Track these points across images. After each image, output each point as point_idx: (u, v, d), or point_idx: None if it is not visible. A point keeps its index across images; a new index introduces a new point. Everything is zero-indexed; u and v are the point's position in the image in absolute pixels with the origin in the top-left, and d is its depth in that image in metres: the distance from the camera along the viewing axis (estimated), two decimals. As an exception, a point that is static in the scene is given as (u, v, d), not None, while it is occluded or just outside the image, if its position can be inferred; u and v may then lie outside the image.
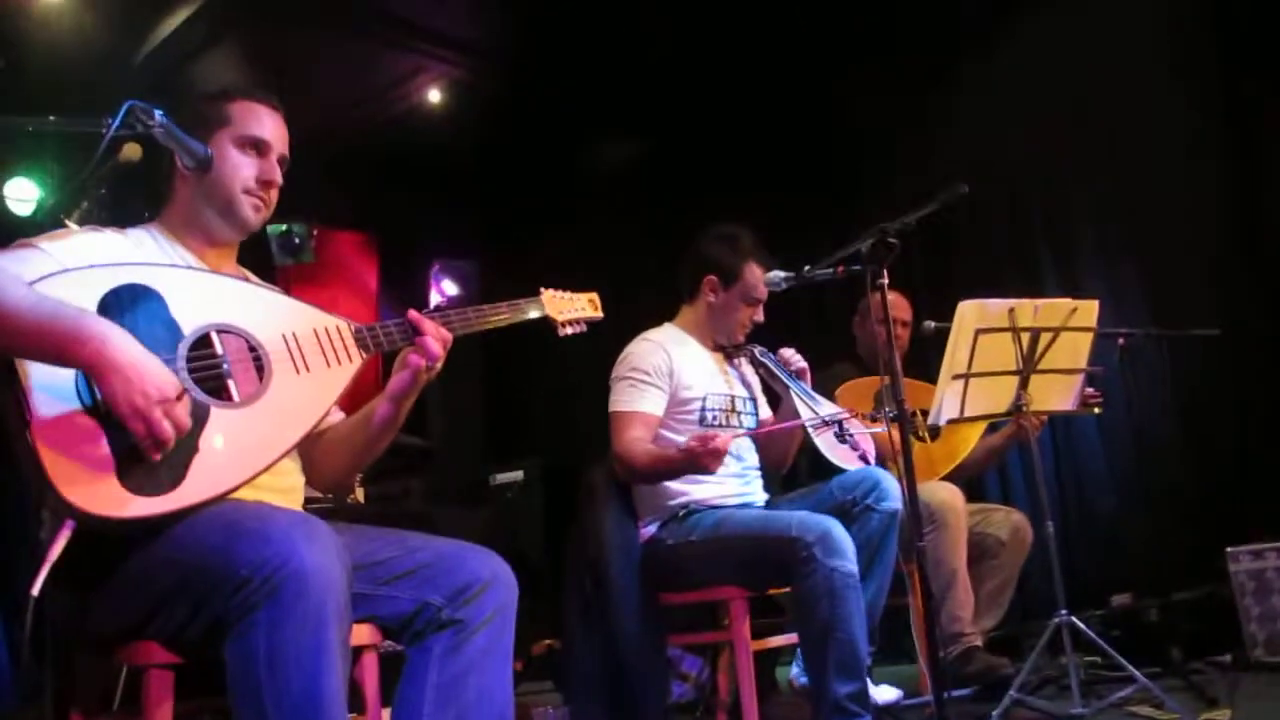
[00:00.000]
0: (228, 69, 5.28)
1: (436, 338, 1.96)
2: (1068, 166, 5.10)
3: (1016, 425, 3.76)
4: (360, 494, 3.99)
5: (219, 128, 1.98)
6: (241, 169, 1.99)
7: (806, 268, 2.90)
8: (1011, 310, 3.04)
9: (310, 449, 2.06)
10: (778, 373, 3.15)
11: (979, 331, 3.00)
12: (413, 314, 1.97)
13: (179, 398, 1.59)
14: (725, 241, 3.23)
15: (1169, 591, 3.84)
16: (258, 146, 2.01)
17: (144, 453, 1.59)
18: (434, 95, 6.01)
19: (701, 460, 2.72)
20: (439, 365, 1.97)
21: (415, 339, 1.96)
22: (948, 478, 3.77)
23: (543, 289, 2.27)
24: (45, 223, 1.88)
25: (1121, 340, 3.69)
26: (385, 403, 2.02)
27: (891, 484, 2.92)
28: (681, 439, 3.03)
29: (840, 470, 3.07)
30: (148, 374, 1.56)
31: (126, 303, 1.70)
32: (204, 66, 5.27)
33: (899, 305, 3.99)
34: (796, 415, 3.05)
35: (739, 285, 3.19)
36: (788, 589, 2.80)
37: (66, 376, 1.61)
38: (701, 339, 3.26)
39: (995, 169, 5.25)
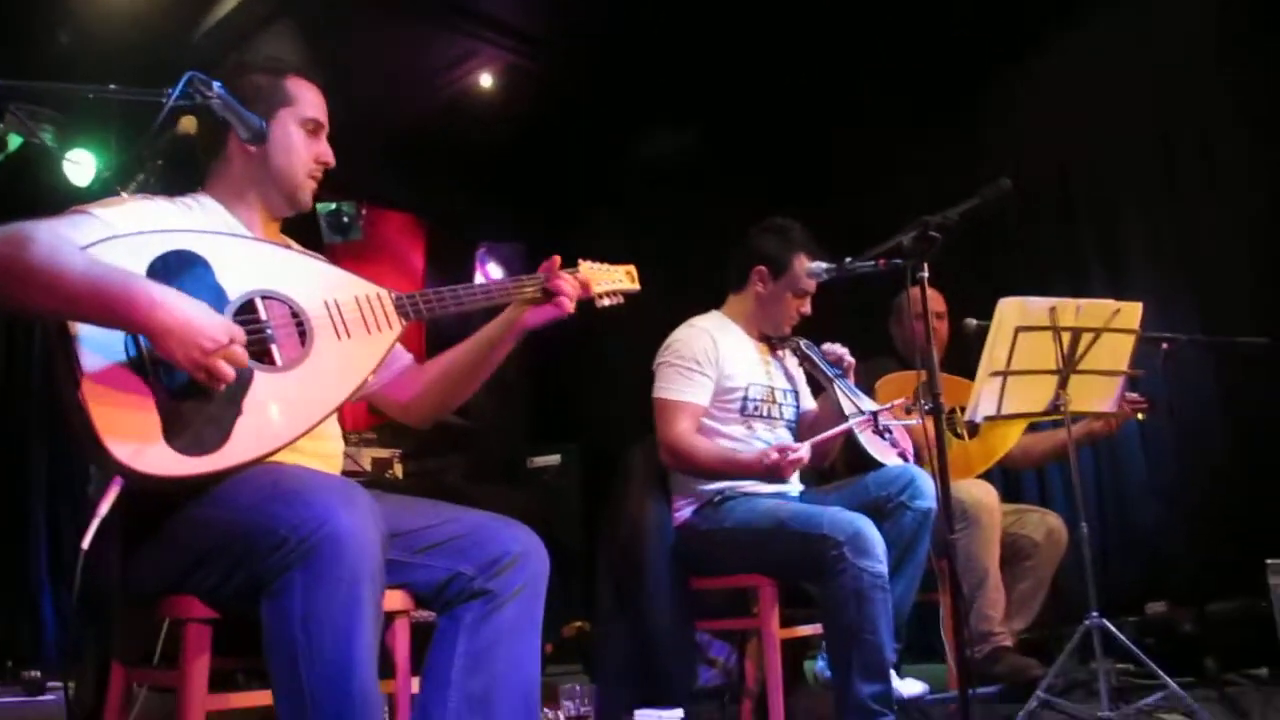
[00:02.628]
0: (284, 47, 5.33)
1: (572, 291, 2.16)
2: (1120, 168, 5.05)
3: (1095, 422, 3.71)
4: (399, 469, 4.04)
5: (282, 106, 2.03)
6: (307, 150, 2.06)
7: (848, 259, 2.90)
8: (1053, 309, 3.02)
9: (413, 381, 2.18)
10: (821, 365, 3.16)
11: (1019, 329, 2.99)
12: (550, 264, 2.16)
13: (232, 341, 1.64)
14: (776, 233, 3.25)
15: (1206, 601, 3.80)
16: (316, 127, 2.07)
17: (207, 389, 1.65)
18: (486, 79, 6.04)
19: (781, 473, 2.76)
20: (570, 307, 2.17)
21: (552, 296, 2.14)
22: (999, 470, 3.74)
23: (580, 260, 2.30)
24: (101, 193, 1.93)
25: (1166, 345, 3.65)
26: (513, 339, 2.18)
27: (927, 482, 2.91)
28: (726, 429, 3.06)
29: (879, 465, 3.08)
30: (201, 328, 1.60)
31: (174, 268, 1.74)
32: (261, 44, 5.32)
33: (933, 299, 3.97)
34: (839, 408, 3.05)
35: (788, 276, 3.20)
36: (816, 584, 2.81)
37: (115, 337, 1.65)
38: (747, 329, 3.27)
39: (1047, 167, 5.21)
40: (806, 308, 3.26)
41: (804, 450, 2.78)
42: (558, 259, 2.18)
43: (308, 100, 2.07)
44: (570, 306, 2.16)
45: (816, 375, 3.22)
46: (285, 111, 2.03)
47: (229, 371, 1.63)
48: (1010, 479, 4.89)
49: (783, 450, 2.78)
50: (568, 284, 2.16)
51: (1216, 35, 4.73)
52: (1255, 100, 4.56)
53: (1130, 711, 2.93)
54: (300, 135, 2.05)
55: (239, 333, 1.66)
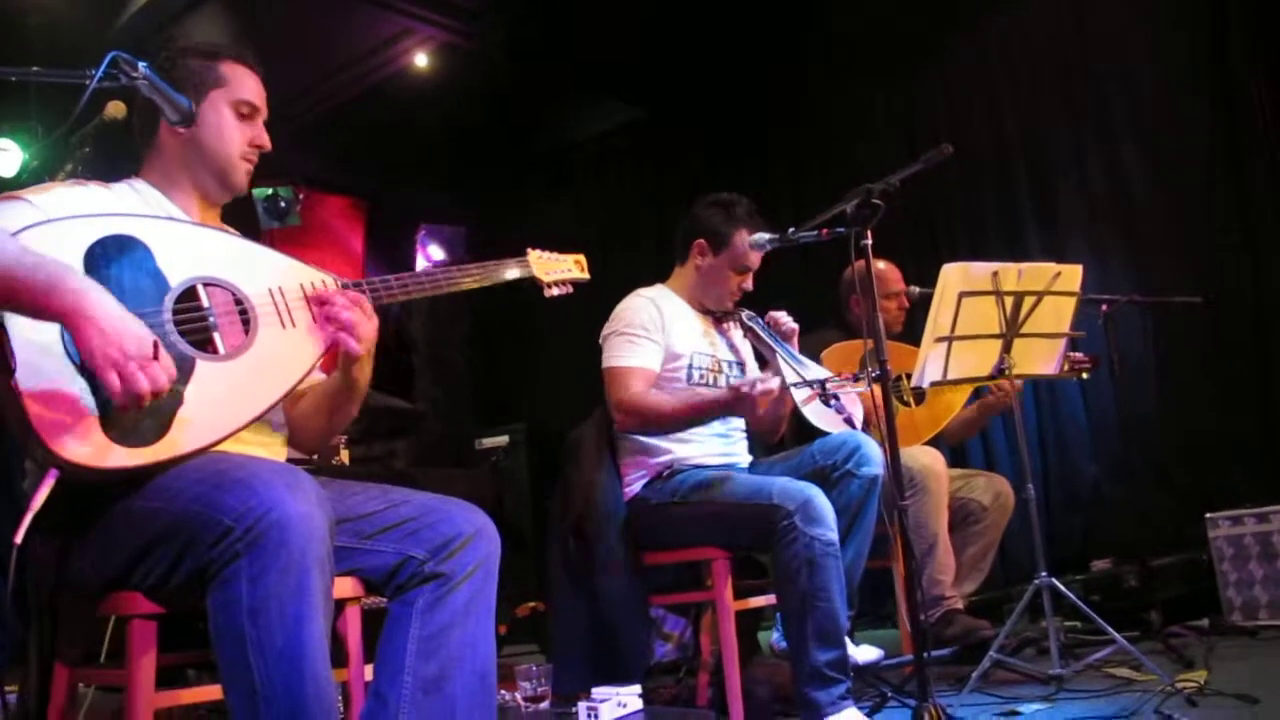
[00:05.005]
0: (216, 29, 5.23)
1: (346, 306, 1.88)
2: (1054, 131, 5.10)
3: (990, 397, 3.82)
4: (345, 455, 3.99)
5: (213, 88, 1.99)
6: (240, 133, 2.01)
7: (791, 229, 2.90)
8: (995, 273, 3.05)
9: (289, 410, 2.06)
10: (765, 336, 3.15)
11: (962, 294, 3.01)
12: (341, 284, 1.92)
13: (155, 357, 1.54)
14: (719, 207, 3.22)
15: (1149, 557, 3.88)
16: (251, 110, 2.03)
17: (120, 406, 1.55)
18: (422, 59, 5.98)
19: (749, 400, 2.75)
20: (363, 335, 1.90)
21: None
22: (930, 443, 3.79)
23: (529, 250, 2.28)
24: (30, 183, 1.87)
25: (1105, 307, 3.71)
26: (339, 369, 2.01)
27: (872, 449, 2.92)
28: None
29: (824, 434, 3.08)
30: (125, 329, 1.53)
31: (113, 253, 1.69)
32: (192, 26, 5.21)
33: (891, 277, 3.98)
34: (782, 378, 3.05)
35: (728, 252, 3.17)
36: (768, 554, 2.82)
37: (51, 327, 1.59)
38: (690, 301, 3.26)
39: (983, 133, 5.26)
40: (748, 283, 3.23)
41: (774, 381, 2.77)
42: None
43: (242, 83, 2.02)
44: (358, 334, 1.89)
45: (760, 348, 3.21)
46: (217, 93, 1.99)
47: (144, 385, 1.51)
48: (956, 444, 4.96)
49: (750, 383, 2.76)
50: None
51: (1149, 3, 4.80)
52: (1186, 60, 4.64)
53: (1080, 667, 2.99)
54: (232, 117, 2.00)
55: (165, 356, 1.56)
